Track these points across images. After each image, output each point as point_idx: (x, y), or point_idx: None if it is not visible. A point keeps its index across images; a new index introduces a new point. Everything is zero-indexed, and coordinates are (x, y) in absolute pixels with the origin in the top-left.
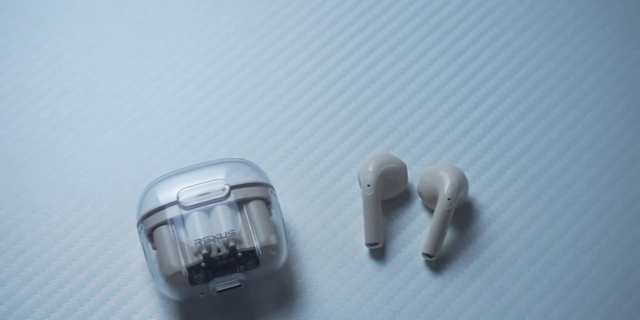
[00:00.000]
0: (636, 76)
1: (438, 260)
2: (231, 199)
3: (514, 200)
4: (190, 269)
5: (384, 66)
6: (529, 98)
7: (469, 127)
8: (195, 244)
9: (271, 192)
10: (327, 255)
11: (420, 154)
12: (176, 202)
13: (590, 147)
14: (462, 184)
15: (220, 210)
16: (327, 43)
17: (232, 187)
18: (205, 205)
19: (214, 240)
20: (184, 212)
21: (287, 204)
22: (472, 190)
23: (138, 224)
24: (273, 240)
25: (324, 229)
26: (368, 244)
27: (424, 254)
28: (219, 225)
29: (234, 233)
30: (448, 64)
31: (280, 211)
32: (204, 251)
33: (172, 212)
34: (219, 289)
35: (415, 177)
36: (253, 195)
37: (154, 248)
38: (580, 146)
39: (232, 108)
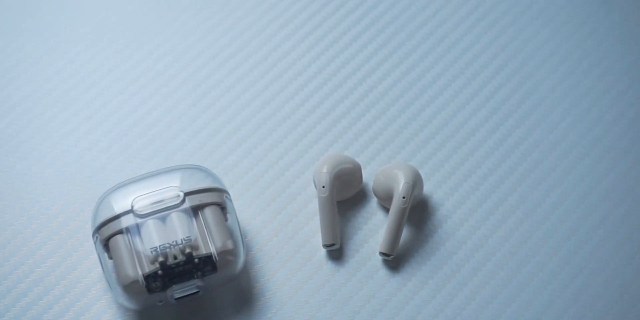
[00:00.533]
0: (583, 71)
1: (395, 259)
2: (186, 205)
3: (468, 197)
4: (147, 277)
5: (335, 68)
6: (480, 94)
7: (421, 125)
8: (152, 252)
9: (226, 197)
10: (285, 258)
11: (375, 153)
12: (131, 211)
13: (542, 141)
14: (416, 182)
15: (175, 217)
16: (277, 47)
17: (187, 194)
18: (160, 213)
19: (170, 247)
20: (139, 220)
21: (244, 208)
22: (427, 188)
23: (93, 234)
24: (229, 245)
25: (280, 232)
26: (325, 245)
27: (381, 253)
28: (175, 233)
29: (190, 239)
30: (397, 65)
31: (236, 216)
32: (161, 259)
33: (127, 221)
34: (177, 296)
35: (370, 176)
36: (208, 201)
37: (110, 258)
38: (532, 141)
39: (185, 115)
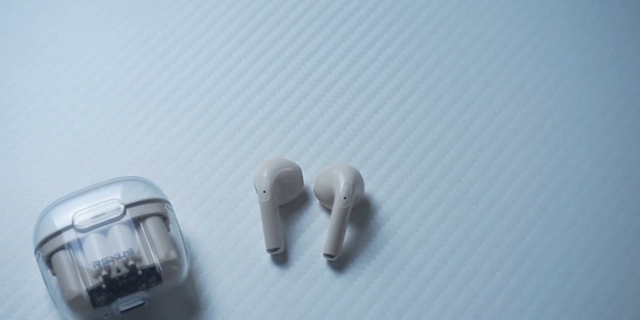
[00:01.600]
0: (516, 64)
1: (340, 260)
2: (127, 217)
3: (409, 194)
4: (91, 291)
5: (271, 72)
6: (416, 92)
7: (360, 125)
8: (94, 266)
9: (167, 207)
10: (230, 265)
11: (315, 155)
12: (72, 226)
13: (479, 135)
14: (357, 182)
15: (117, 230)
16: (212, 55)
17: (127, 206)
18: (102, 226)
19: (112, 260)
20: (80, 235)
21: (186, 218)
22: (368, 187)
23: (35, 251)
24: (173, 255)
25: (224, 239)
26: (269, 250)
27: (325, 255)
28: (117, 245)
29: (133, 252)
30: (333, 66)
31: (179, 225)
32: (104, 273)
33: (68, 236)
34: (123, 309)
35: (311, 179)
36: (149, 212)
37: (54, 274)
38: (470, 135)
39: (123, 127)
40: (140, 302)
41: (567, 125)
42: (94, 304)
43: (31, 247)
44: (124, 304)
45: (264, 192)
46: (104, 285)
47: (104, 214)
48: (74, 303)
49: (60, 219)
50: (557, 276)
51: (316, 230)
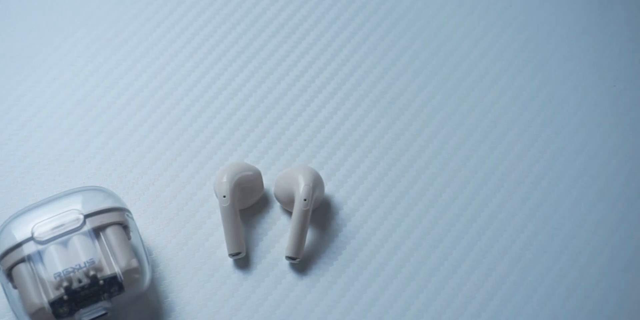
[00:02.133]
0: (472, 61)
1: (302, 262)
2: (87, 227)
3: (370, 194)
4: (53, 303)
5: (226, 79)
6: (371, 94)
7: (319, 127)
8: (55, 277)
9: (127, 215)
10: (193, 271)
11: (274, 158)
12: (31, 238)
13: (435, 135)
14: (316, 183)
15: (77, 241)
16: (166, 64)
17: (87, 216)
18: (62, 237)
19: (73, 271)
20: (40, 247)
21: (147, 225)
22: (329, 189)
23: None
24: (134, 263)
25: (186, 246)
26: (231, 255)
27: (288, 257)
28: (78, 256)
29: (94, 262)
30: (290, 68)
31: (139, 233)
32: (65, 284)
33: (28, 249)
34: (86, 319)
35: (272, 182)
36: (109, 221)
37: (15, 287)
38: (427, 134)
39: (82, 136)
40: (103, 312)
41: (521, 122)
42: (56, 315)
43: None
44: (86, 314)
45: (224, 196)
46: (65, 297)
47: (63, 224)
48: (36, 315)
49: (19, 232)
50: (517, 271)
51: (278, 233)
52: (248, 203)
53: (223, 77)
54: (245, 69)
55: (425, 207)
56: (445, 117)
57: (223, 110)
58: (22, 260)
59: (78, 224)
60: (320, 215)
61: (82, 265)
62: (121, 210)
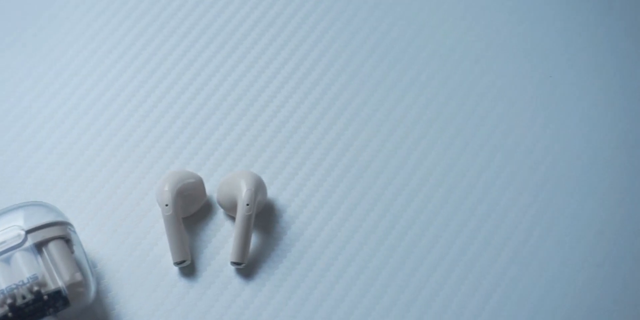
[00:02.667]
0: (408, 60)
1: (248, 267)
2: (29, 243)
3: (312, 195)
4: None
5: (164, 89)
6: (310, 96)
7: (259, 130)
8: None
9: (70, 229)
10: (138, 281)
11: (215, 165)
12: None
13: (375, 134)
14: (259, 187)
15: (19, 257)
16: (103, 75)
17: (28, 231)
18: (3, 255)
19: (17, 288)
20: None
21: (91, 238)
22: (271, 192)
23: None
24: (78, 277)
25: (130, 256)
26: (176, 263)
27: (233, 263)
28: (20, 272)
29: (37, 277)
30: (227, 75)
31: (82, 246)
32: (9, 301)
33: None
34: None
35: (214, 188)
36: (51, 236)
37: None
38: (367, 134)
39: (21, 151)
40: None
41: (460, 117)
42: None
43: None
44: None
45: (166, 205)
46: (10, 314)
47: (4, 241)
48: None
49: None
50: (460, 267)
51: (222, 239)
52: (191, 210)
53: (162, 86)
54: (182, 77)
55: (368, 208)
56: (384, 117)
57: (162, 119)
58: None
59: (19, 240)
60: (264, 219)
61: (25, 281)
62: (63, 224)
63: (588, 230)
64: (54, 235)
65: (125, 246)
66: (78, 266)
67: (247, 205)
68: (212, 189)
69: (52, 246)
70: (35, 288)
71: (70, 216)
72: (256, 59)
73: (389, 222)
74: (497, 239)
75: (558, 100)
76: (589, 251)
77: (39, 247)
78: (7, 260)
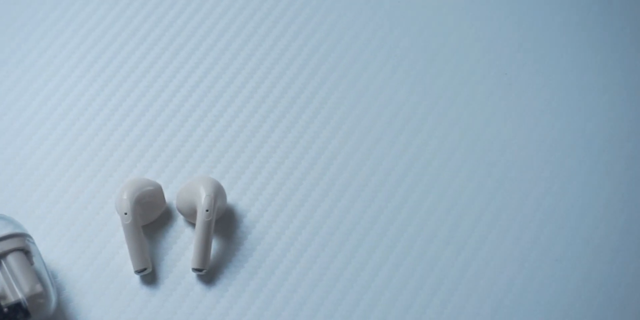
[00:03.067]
0: (366, 59)
1: (209, 273)
2: None
3: (272, 199)
4: None
5: (123, 93)
6: (268, 100)
7: (217, 136)
8: None
9: (29, 240)
10: (100, 291)
11: (174, 172)
12: None
13: (334, 136)
14: (218, 193)
15: None
16: (60, 84)
17: None
18: None
19: None
20: None
21: (51, 249)
22: (231, 198)
23: None
24: (38, 288)
25: (91, 266)
26: (137, 271)
27: (194, 269)
28: None
29: None
30: (184, 81)
31: (42, 258)
32: None
33: None
34: None
35: (174, 195)
36: (9, 248)
37: None
38: (324, 137)
39: None
40: None
41: (416, 117)
42: None
43: None
44: None
45: (126, 214)
46: None
47: None
48: None
49: None
50: (421, 268)
51: (183, 246)
52: (151, 218)
53: (118, 95)
54: (140, 84)
55: (328, 209)
56: (341, 120)
57: (120, 127)
58: None
59: None
60: (224, 224)
61: None
62: (21, 235)
63: (543, 228)
64: (13, 248)
65: (86, 256)
66: (38, 277)
67: (207, 211)
68: (171, 196)
69: (11, 258)
70: None
71: (29, 227)
72: (212, 66)
73: (349, 225)
74: (456, 240)
75: (515, 97)
76: (547, 247)
77: None
78: None
